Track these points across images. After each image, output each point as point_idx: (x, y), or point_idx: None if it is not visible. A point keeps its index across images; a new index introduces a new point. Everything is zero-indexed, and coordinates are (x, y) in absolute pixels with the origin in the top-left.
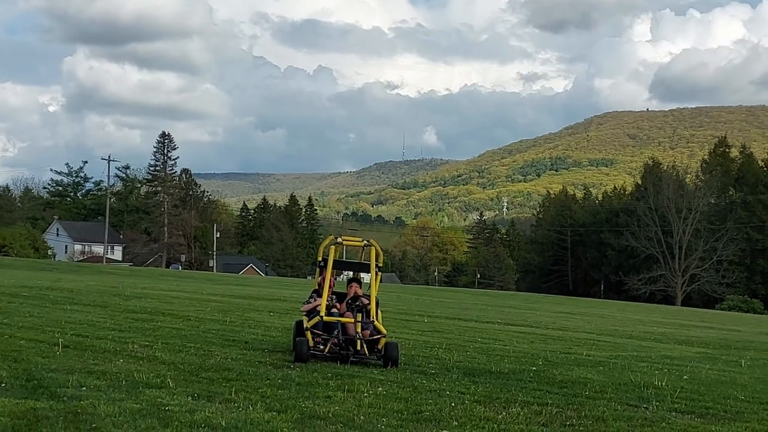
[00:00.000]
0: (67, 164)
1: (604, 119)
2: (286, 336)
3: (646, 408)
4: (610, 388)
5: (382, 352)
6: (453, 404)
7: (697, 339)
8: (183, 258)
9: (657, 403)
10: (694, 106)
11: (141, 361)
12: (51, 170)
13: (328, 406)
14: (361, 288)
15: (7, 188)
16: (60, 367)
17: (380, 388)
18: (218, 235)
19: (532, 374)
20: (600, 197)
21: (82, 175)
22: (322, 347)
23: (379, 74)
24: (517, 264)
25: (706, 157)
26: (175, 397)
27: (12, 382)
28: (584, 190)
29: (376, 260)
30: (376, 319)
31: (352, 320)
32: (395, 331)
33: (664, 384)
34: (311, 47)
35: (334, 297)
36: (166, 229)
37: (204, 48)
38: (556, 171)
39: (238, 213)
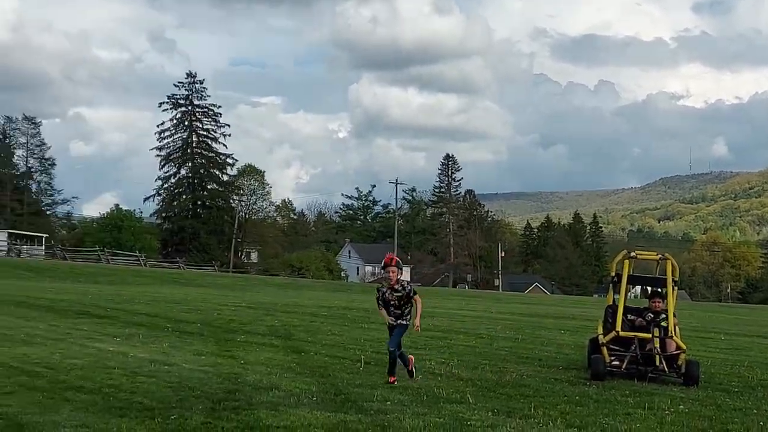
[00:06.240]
0: (357, 188)
1: None
2: (580, 353)
3: None
4: None
5: (682, 369)
6: (762, 423)
7: None
8: (469, 277)
9: None
10: None
11: (439, 378)
12: (342, 194)
13: (629, 423)
14: (662, 303)
15: (302, 213)
16: (364, 383)
17: (681, 406)
18: (503, 255)
19: None
20: None
21: (370, 198)
22: (617, 363)
23: (663, 86)
24: None
25: None
26: (475, 412)
27: (322, 396)
28: None
29: (672, 274)
30: (675, 335)
31: (650, 335)
32: (691, 348)
33: None
34: (591, 62)
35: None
36: (452, 249)
37: (483, 67)
38: None
39: (522, 232)
